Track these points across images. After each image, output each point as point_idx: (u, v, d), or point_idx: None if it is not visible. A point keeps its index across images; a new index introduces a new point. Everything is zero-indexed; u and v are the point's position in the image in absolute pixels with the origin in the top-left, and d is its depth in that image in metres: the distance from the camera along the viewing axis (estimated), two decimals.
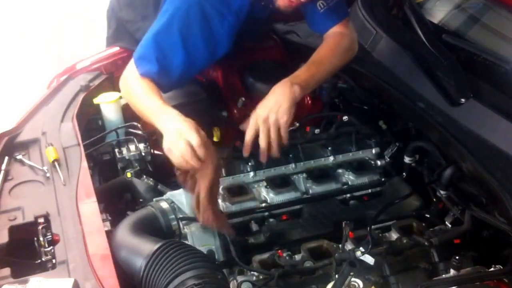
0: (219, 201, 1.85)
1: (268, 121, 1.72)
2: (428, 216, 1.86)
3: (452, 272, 1.46)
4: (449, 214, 1.80)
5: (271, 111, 1.72)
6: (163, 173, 2.00)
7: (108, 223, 1.60)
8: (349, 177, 2.02)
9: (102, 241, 1.41)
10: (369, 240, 1.54)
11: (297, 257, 1.65)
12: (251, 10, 1.88)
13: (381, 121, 2.13)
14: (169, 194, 1.74)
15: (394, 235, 1.73)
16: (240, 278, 1.56)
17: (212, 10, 1.75)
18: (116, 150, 1.99)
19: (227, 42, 1.82)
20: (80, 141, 1.81)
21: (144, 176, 1.84)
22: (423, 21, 2.12)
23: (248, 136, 1.74)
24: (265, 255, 1.64)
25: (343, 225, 1.66)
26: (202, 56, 1.79)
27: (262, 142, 1.72)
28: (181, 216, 1.67)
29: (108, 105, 2.14)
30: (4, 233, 1.44)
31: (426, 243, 1.59)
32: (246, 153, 1.78)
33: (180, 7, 1.73)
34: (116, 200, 1.89)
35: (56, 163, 1.69)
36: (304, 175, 1.99)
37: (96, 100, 2.14)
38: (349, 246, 1.62)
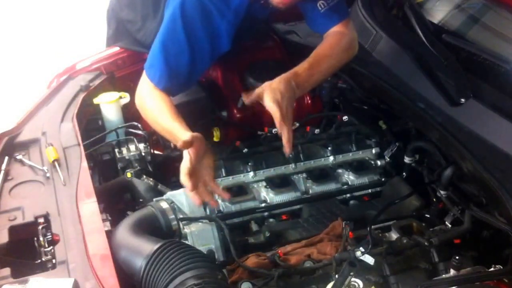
0: (219, 201, 1.86)
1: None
2: (428, 216, 1.86)
3: (452, 272, 1.46)
4: (449, 214, 1.80)
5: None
6: (163, 173, 2.00)
7: (108, 223, 1.60)
8: (349, 177, 2.02)
9: (102, 241, 1.41)
10: (369, 240, 1.54)
11: None
12: (250, 10, 1.88)
13: (381, 121, 2.13)
14: (169, 194, 1.74)
15: (394, 235, 1.73)
16: None
17: (212, 7, 1.76)
18: (116, 150, 1.99)
19: (227, 40, 1.83)
20: (80, 141, 1.81)
21: (144, 176, 1.84)
22: (423, 21, 2.12)
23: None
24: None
25: (343, 225, 1.66)
26: (206, 52, 1.81)
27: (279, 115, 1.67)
28: (181, 216, 1.67)
29: (108, 105, 2.14)
30: (4, 233, 1.44)
31: (426, 243, 1.59)
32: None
33: (181, 5, 1.74)
34: (116, 200, 1.89)
35: (56, 163, 1.69)
36: (304, 175, 2.00)
37: (96, 100, 2.14)
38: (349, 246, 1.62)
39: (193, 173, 1.54)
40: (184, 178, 1.53)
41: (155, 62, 1.78)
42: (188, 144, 1.50)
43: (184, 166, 1.53)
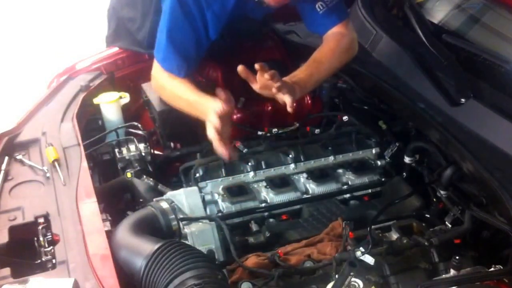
0: (219, 201, 1.86)
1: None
2: (428, 216, 1.86)
3: (452, 272, 1.46)
4: (449, 214, 1.80)
5: None
6: (163, 173, 2.00)
7: (108, 223, 1.60)
8: (349, 177, 2.02)
9: (102, 241, 1.41)
10: (369, 240, 1.54)
11: None
12: (244, 8, 1.89)
13: (381, 121, 2.13)
14: (169, 194, 1.74)
15: (394, 235, 1.73)
16: None
17: None
18: (116, 150, 1.99)
19: (213, 30, 1.87)
20: (80, 141, 1.81)
21: (144, 176, 1.84)
22: (423, 21, 2.12)
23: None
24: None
25: (343, 225, 1.66)
26: (203, 35, 1.88)
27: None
28: (181, 216, 1.67)
29: (108, 105, 2.14)
30: (4, 233, 1.44)
31: (426, 243, 1.59)
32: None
33: None
34: (116, 200, 1.89)
35: (56, 163, 1.69)
36: (304, 175, 1.99)
37: (96, 100, 2.15)
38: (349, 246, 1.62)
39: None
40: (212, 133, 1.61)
41: (168, 55, 1.86)
42: (229, 101, 1.63)
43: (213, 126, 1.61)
